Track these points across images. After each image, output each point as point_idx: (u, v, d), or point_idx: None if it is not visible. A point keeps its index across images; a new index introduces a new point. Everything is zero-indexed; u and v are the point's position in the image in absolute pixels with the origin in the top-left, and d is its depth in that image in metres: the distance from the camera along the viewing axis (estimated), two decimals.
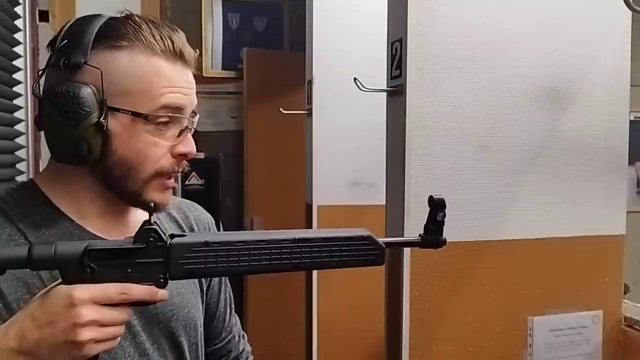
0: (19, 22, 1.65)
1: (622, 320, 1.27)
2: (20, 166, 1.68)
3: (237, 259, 0.69)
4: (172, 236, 0.69)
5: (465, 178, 1.16)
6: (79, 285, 0.66)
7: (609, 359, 1.27)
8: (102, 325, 0.66)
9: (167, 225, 0.95)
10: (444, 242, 0.78)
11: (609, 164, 1.26)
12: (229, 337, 1.06)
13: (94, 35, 0.77)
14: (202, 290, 0.98)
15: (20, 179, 1.67)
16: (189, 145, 0.83)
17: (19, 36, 1.65)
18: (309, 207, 2.16)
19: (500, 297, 1.20)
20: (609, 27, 1.25)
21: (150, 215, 0.70)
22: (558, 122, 1.22)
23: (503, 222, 1.20)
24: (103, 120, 0.75)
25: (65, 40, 0.77)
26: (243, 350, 1.08)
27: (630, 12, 1.18)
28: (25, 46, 1.67)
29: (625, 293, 1.30)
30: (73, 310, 0.64)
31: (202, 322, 0.96)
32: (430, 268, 1.15)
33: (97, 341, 0.66)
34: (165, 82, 0.79)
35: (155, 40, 0.78)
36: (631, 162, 1.85)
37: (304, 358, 2.25)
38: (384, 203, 1.21)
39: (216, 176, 3.18)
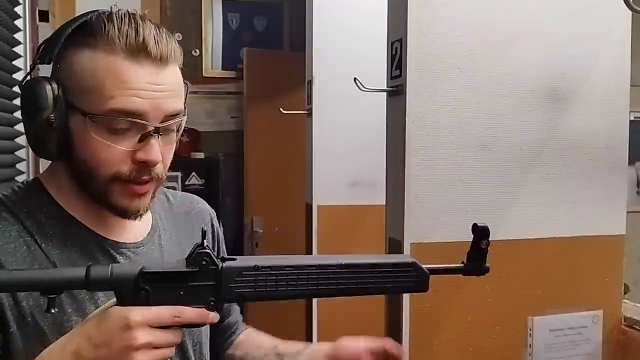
0: (19, 22, 1.65)
1: (622, 320, 1.27)
2: (20, 166, 1.68)
3: (285, 283, 0.70)
4: (223, 259, 0.70)
5: (465, 178, 1.16)
6: (134, 307, 0.66)
7: (609, 359, 1.27)
8: (155, 347, 0.66)
9: (167, 225, 0.95)
10: (487, 269, 0.80)
11: (609, 164, 1.26)
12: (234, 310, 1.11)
13: (68, 32, 0.76)
14: None
15: (20, 179, 1.67)
16: (150, 153, 0.77)
17: (19, 36, 1.65)
18: (309, 207, 2.16)
19: (500, 297, 1.20)
20: (609, 27, 1.25)
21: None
22: (558, 122, 1.22)
23: (503, 222, 1.20)
24: (52, 117, 0.74)
25: (50, 37, 0.77)
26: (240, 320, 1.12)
27: (630, 12, 1.18)
28: (25, 46, 1.68)
29: (625, 293, 1.30)
30: (129, 333, 0.64)
31: None
32: None
33: None
34: (117, 83, 0.74)
35: (117, 37, 0.74)
36: (631, 162, 1.85)
37: None
38: (384, 203, 1.21)
39: (216, 176, 3.18)
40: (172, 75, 0.78)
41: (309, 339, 2.18)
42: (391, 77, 1.17)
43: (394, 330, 1.16)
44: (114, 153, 0.76)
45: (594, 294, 1.26)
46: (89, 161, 0.77)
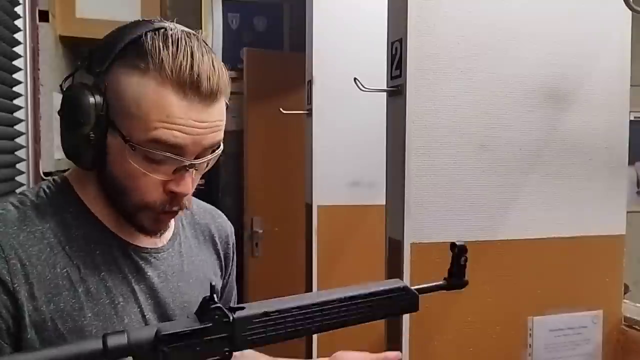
0: (19, 22, 1.65)
1: (622, 320, 1.27)
2: (20, 166, 1.68)
3: (293, 323, 0.73)
4: (232, 310, 0.71)
5: (465, 178, 1.17)
6: None
7: (609, 359, 1.27)
8: None
9: (188, 233, 0.96)
10: (467, 282, 0.86)
11: (609, 164, 1.26)
12: None
13: (120, 47, 0.74)
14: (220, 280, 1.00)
15: (20, 178, 1.67)
16: (181, 186, 0.77)
17: (19, 36, 1.65)
18: (309, 207, 2.16)
19: (500, 297, 1.20)
20: (609, 27, 1.25)
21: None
22: (558, 122, 1.22)
23: (503, 222, 1.20)
24: (92, 135, 0.74)
25: (102, 45, 0.76)
26: None
27: (630, 12, 1.18)
28: (25, 46, 1.68)
29: (625, 293, 1.30)
30: None
31: None
32: (430, 268, 1.15)
33: None
34: (162, 116, 0.72)
35: (169, 67, 0.72)
36: (631, 162, 1.85)
37: (304, 356, 2.25)
38: (384, 203, 1.21)
39: (216, 176, 3.18)
40: (217, 112, 0.77)
41: (308, 340, 2.18)
42: (391, 77, 1.17)
43: (394, 330, 1.16)
44: (147, 181, 0.76)
45: (594, 294, 1.26)
46: (122, 181, 0.77)
